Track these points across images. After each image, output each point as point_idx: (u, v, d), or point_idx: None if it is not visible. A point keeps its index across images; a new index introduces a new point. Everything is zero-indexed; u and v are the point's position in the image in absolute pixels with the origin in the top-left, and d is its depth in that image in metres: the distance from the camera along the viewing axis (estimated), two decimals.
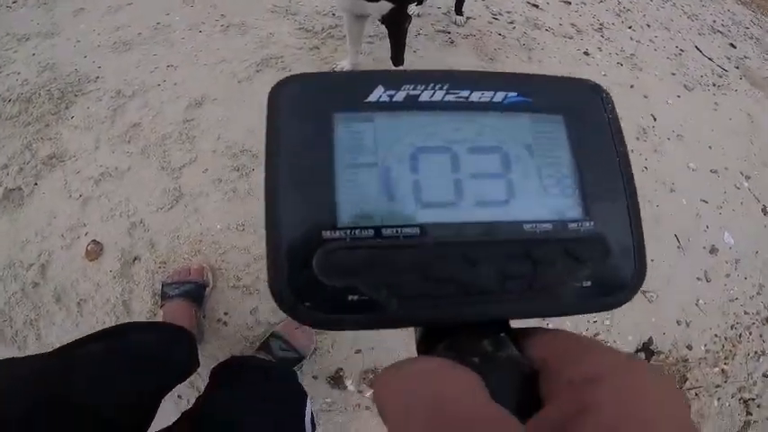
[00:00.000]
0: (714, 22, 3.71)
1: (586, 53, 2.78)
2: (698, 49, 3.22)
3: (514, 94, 0.31)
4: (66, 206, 1.70)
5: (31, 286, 1.53)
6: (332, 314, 0.25)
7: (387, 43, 2.09)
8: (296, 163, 0.27)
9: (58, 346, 1.40)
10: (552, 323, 0.88)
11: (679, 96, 2.70)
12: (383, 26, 1.96)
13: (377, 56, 2.39)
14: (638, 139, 2.32)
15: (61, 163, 1.82)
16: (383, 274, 0.25)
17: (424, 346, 0.27)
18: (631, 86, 2.64)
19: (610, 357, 0.21)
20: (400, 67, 2.16)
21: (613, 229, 0.29)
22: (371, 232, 0.26)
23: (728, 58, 3.26)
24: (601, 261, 0.28)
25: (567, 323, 1.54)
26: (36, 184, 1.75)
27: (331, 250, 0.25)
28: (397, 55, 2.11)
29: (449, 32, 2.65)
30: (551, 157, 0.30)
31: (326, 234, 0.25)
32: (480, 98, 0.30)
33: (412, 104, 0.29)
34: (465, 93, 0.30)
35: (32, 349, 1.45)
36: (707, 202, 2.15)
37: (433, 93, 0.30)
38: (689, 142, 2.41)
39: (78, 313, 1.49)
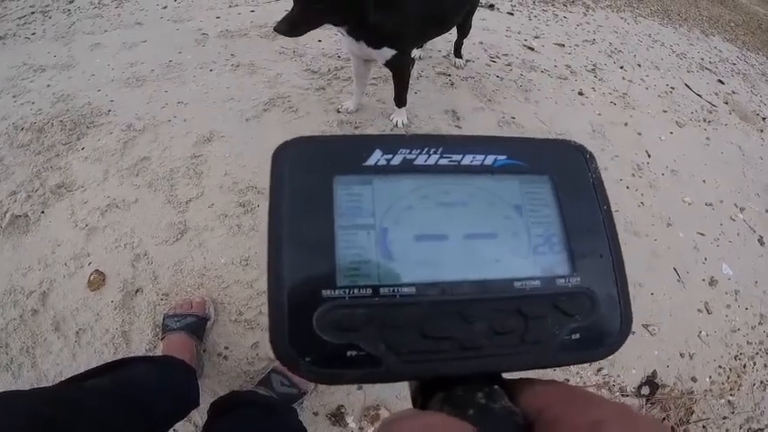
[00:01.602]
0: (702, 59, 3.85)
1: (581, 93, 2.87)
2: (687, 86, 3.33)
3: (504, 156, 0.32)
4: (72, 235, 1.71)
5: (30, 314, 1.52)
6: (331, 369, 0.26)
7: (391, 85, 2.15)
8: (297, 223, 0.28)
9: (53, 375, 1.42)
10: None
11: (672, 133, 2.78)
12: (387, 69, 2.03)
13: (380, 97, 2.45)
14: (633, 175, 2.37)
15: (69, 192, 1.84)
16: (381, 331, 0.26)
17: (421, 398, 0.28)
18: (625, 124, 2.71)
19: (611, 405, 0.23)
20: (403, 108, 2.24)
21: (599, 284, 0.30)
22: (369, 291, 0.27)
23: (717, 94, 3.37)
24: (588, 314, 0.29)
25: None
26: (43, 212, 1.77)
27: (330, 308, 0.26)
28: (401, 96, 2.18)
29: (449, 75, 2.73)
30: (539, 216, 0.32)
31: (326, 293, 0.26)
32: (472, 161, 0.32)
33: (408, 168, 0.31)
34: (458, 156, 0.32)
35: (26, 377, 1.43)
36: (704, 235, 2.19)
37: (428, 157, 0.31)
38: (683, 177, 2.47)
39: (76, 343, 1.48)
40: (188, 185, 1.88)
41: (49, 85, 2.34)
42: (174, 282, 1.61)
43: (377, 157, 0.31)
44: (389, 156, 0.31)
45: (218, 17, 2.98)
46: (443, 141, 0.32)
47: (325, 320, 0.26)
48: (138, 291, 1.59)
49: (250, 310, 1.57)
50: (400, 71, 2.06)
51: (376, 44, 1.85)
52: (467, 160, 0.32)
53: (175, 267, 1.64)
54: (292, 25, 1.62)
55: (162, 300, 1.57)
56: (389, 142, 0.32)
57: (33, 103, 2.24)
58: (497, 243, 0.30)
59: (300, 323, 0.26)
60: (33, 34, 2.74)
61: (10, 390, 0.74)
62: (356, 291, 0.27)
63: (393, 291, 0.27)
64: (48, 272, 1.62)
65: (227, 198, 1.85)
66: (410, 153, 0.32)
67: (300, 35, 1.69)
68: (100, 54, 2.58)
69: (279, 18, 1.63)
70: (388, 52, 1.89)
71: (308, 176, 0.30)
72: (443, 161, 0.32)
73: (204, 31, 2.81)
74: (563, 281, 0.30)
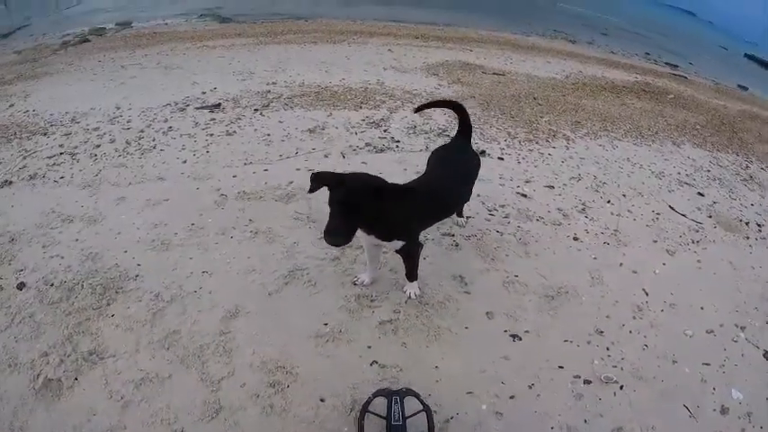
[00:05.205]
0: (679, 173, 4.35)
1: (575, 238, 3.24)
2: (672, 208, 3.75)
3: None
4: (107, 406, 1.95)
5: None
6: None
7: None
8: None
9: None
10: None
11: (664, 264, 3.11)
12: None
13: (392, 266, 2.76)
14: (634, 318, 2.64)
15: (102, 360, 2.14)
16: None
17: None
18: (620, 264, 3.04)
19: None
20: (415, 281, 2.60)
21: None
22: None
23: (700, 209, 3.83)
24: None
25: None
26: (76, 378, 2.05)
27: None
28: (411, 274, 2.54)
29: (453, 235, 3.10)
30: None
31: None
32: None
33: None
34: None
35: None
36: (709, 365, 2.40)
37: None
38: (681, 309, 2.73)
39: None
40: (218, 363, 2.16)
41: (77, 240, 2.75)
42: None
43: None
44: None
45: (234, 176, 3.47)
46: None
47: None
48: None
49: None
50: (410, 256, 2.43)
51: (386, 237, 2.21)
52: None
53: None
54: (343, 235, 1.90)
55: None
56: None
57: (63, 258, 2.62)
58: None
59: None
60: (62, 178, 3.19)
61: None
62: None
63: None
64: None
65: (258, 377, 2.11)
66: None
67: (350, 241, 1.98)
68: (125, 209, 3.01)
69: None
70: (397, 243, 2.25)
71: None
72: None
73: (222, 192, 3.27)
74: None
